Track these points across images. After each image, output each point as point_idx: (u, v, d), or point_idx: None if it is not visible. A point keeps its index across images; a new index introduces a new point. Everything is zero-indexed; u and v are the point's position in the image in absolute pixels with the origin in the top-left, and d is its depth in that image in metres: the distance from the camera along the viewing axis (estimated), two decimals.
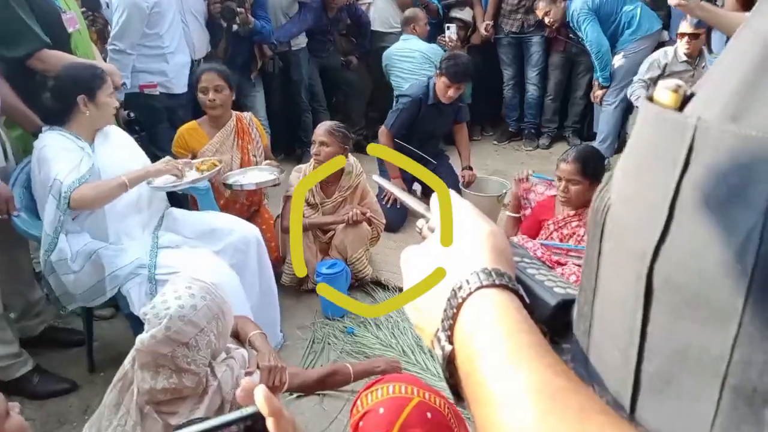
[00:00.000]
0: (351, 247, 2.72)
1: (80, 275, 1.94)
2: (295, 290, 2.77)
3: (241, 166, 2.68)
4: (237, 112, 2.75)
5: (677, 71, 3.49)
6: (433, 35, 4.35)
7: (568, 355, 0.43)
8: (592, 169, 2.18)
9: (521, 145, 4.72)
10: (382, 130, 3.49)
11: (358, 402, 1.03)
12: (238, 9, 3.25)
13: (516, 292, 0.39)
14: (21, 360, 2.11)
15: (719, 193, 0.28)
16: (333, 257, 2.73)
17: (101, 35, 2.85)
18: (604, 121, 4.08)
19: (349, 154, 2.81)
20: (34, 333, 2.32)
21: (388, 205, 3.24)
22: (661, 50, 3.64)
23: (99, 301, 2.02)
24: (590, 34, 3.84)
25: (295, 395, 2.03)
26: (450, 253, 0.42)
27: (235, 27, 3.38)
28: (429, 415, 0.93)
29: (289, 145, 4.41)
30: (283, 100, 4.20)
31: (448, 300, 0.39)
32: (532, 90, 4.55)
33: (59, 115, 2.01)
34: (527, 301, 0.40)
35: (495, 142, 4.83)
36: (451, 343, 0.38)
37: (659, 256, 0.31)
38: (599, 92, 4.05)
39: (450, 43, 4.36)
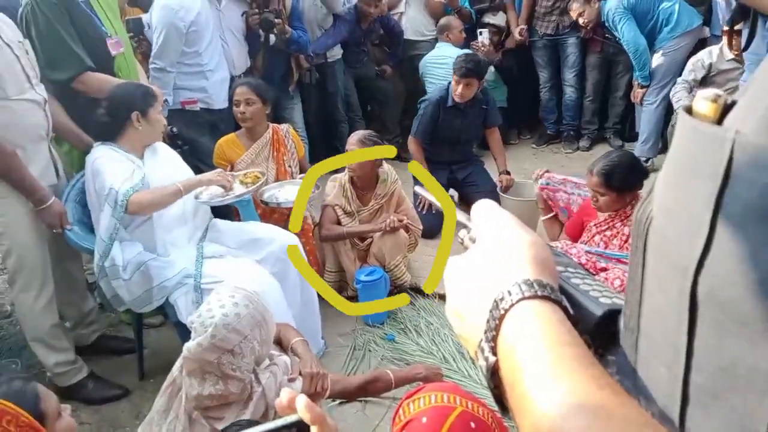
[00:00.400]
0: (389, 255, 2.74)
1: (130, 283, 2.02)
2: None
3: (277, 177, 2.73)
4: (274, 124, 2.82)
5: (725, 69, 3.35)
6: (467, 41, 4.35)
7: (613, 368, 0.42)
8: (618, 180, 2.13)
9: (560, 148, 4.64)
10: (410, 138, 3.51)
11: (400, 411, 1.03)
12: (276, 20, 3.33)
13: (559, 303, 0.39)
14: (76, 367, 2.20)
15: (762, 208, 0.28)
16: (371, 264, 2.75)
17: (146, 56, 2.97)
18: (645, 120, 3.97)
19: (384, 162, 2.84)
20: (88, 341, 2.43)
21: (424, 212, 3.25)
22: (706, 50, 3.50)
23: (147, 309, 2.11)
24: (627, 34, 3.75)
25: (337, 402, 2.05)
26: (492, 264, 0.43)
27: (272, 39, 3.46)
28: (473, 424, 0.93)
29: (326, 155, 4.46)
30: (320, 111, 4.26)
31: (491, 311, 0.39)
32: (569, 92, 4.48)
33: (111, 131, 2.11)
34: (571, 312, 0.40)
35: (533, 146, 4.76)
36: (494, 354, 0.38)
37: (702, 271, 0.30)
38: (639, 92, 3.95)
39: (483, 48, 4.35)
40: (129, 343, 2.45)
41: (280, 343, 1.72)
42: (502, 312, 0.39)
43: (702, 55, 3.48)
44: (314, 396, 1.56)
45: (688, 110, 0.34)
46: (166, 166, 2.20)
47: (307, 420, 0.51)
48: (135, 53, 2.86)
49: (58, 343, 2.15)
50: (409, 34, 4.51)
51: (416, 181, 3.55)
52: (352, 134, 2.81)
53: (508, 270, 0.41)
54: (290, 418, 0.51)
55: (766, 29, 2.58)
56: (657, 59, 3.84)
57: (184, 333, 1.94)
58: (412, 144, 3.49)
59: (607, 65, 4.32)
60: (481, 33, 4.41)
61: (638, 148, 3.90)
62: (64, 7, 2.23)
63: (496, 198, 3.41)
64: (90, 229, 2.15)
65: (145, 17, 3.14)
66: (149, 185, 2.06)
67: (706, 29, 3.89)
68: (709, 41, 3.84)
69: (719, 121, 0.32)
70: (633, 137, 4.25)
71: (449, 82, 3.39)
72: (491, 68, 4.45)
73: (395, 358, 2.35)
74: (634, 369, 0.39)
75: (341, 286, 2.83)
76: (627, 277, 0.40)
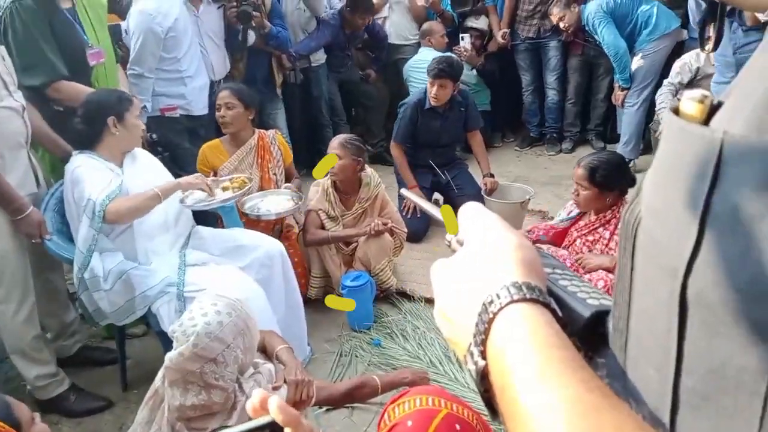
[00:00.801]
0: (374, 259, 2.73)
1: (111, 294, 1.98)
2: (321, 303, 2.78)
3: (261, 185, 2.71)
4: (260, 130, 2.79)
5: (711, 74, 3.40)
6: (449, 45, 4.38)
7: (603, 371, 0.42)
8: (600, 177, 2.18)
9: (543, 150, 4.68)
10: (392, 143, 3.52)
11: (386, 415, 1.03)
12: (254, 12, 3.31)
13: (548, 306, 0.39)
14: (58, 379, 2.16)
15: (751, 208, 0.27)
16: (357, 269, 2.74)
17: (124, 62, 2.94)
18: (626, 122, 4.02)
19: (366, 165, 2.83)
20: (70, 353, 2.38)
21: (409, 216, 3.24)
22: (692, 52, 3.52)
23: (130, 320, 2.07)
24: (607, 37, 3.81)
25: (324, 408, 2.03)
26: (480, 267, 0.42)
27: (251, 37, 3.44)
28: (458, 426, 0.92)
29: (310, 160, 4.46)
30: (304, 116, 4.26)
31: (479, 315, 0.39)
32: (551, 95, 4.53)
33: (88, 139, 2.07)
34: (560, 314, 0.40)
35: (517, 148, 4.80)
36: (484, 357, 0.38)
37: (692, 273, 0.30)
38: (620, 94, 4.00)
39: (465, 53, 4.37)
40: (111, 354, 2.41)
41: (265, 351, 1.70)
42: (491, 315, 0.38)
43: (688, 58, 3.52)
44: (299, 404, 1.54)
45: (675, 111, 0.34)
46: (145, 172, 2.16)
47: (279, 421, 0.49)
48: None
49: (39, 356, 2.10)
50: (393, 39, 4.53)
51: (400, 184, 3.56)
52: (333, 138, 2.81)
53: (495, 272, 0.41)
54: (263, 420, 0.50)
55: (732, 31, 2.62)
56: (637, 62, 3.89)
57: (167, 342, 1.90)
58: (394, 149, 3.50)
59: (588, 68, 4.38)
60: (462, 38, 4.45)
61: (620, 150, 3.95)
62: (45, 15, 2.21)
63: (481, 201, 3.43)
64: (70, 238, 2.10)
65: (123, 24, 3.11)
66: (128, 192, 2.03)
67: (684, 32, 3.96)
68: (686, 44, 3.90)
69: (706, 121, 0.32)
70: (615, 139, 4.30)
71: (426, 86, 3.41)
72: (474, 72, 4.48)
73: (382, 363, 2.34)
74: (624, 371, 0.39)
75: (327, 291, 2.81)
76: (615, 279, 0.40)
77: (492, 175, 3.52)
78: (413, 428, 0.94)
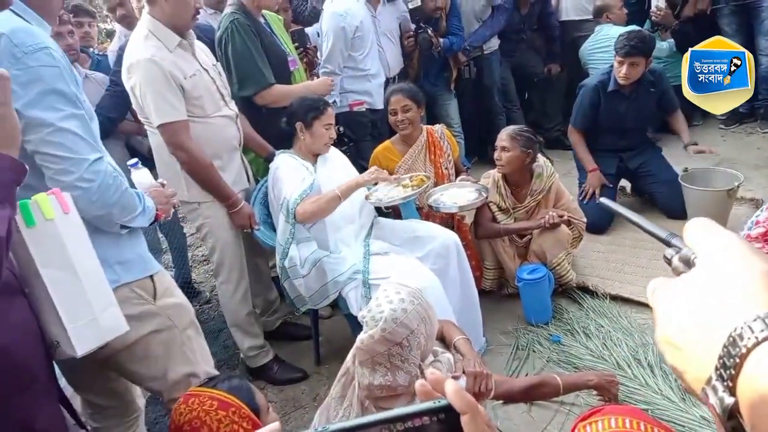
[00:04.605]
0: (550, 252, 2.62)
1: (308, 279, 2.22)
2: (496, 295, 2.76)
3: (435, 181, 2.74)
4: (428, 126, 2.82)
5: None
6: (631, 19, 3.95)
7: None
8: None
9: (755, 128, 4.01)
10: (569, 128, 3.30)
11: None
12: (433, 39, 3.39)
13: None
14: (265, 350, 2.48)
15: None
16: (532, 262, 2.66)
17: (311, 66, 3.22)
18: None
19: (540, 156, 2.70)
20: (272, 328, 2.72)
21: (586, 202, 3.03)
22: None
23: (324, 303, 2.29)
24: None
25: (501, 401, 2.02)
26: (719, 294, 0.39)
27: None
28: None
29: (483, 148, 4.42)
30: (476, 105, 4.22)
31: (725, 347, 0.36)
32: (765, 62, 3.84)
33: (287, 140, 2.34)
34: None
35: (722, 126, 4.19)
36: (732, 394, 0.35)
37: None
38: None
39: (658, 12, 3.91)
40: (306, 330, 2.69)
41: (443, 340, 1.74)
42: (744, 351, 0.35)
43: None
44: (477, 396, 1.55)
45: None
46: (336, 172, 2.37)
47: (457, 407, 0.46)
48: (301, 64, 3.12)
49: (252, 329, 2.44)
50: (570, 14, 4.26)
51: (580, 171, 3.33)
52: (502, 129, 2.70)
53: (739, 301, 0.37)
54: (438, 403, 0.46)
55: None
56: None
57: (355, 324, 2.07)
58: (572, 134, 3.30)
59: None
60: None
61: None
62: (256, 30, 2.51)
63: (678, 189, 3.06)
64: (273, 228, 2.40)
65: (308, 30, 3.41)
66: (319, 189, 2.23)
67: None
68: None
69: None
70: None
71: (611, 65, 3.12)
72: (665, 43, 4.00)
73: (562, 360, 2.24)
74: None
75: (501, 283, 2.78)
76: None
77: (695, 143, 3.09)
78: None
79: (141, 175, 1.59)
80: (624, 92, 3.09)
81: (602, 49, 3.75)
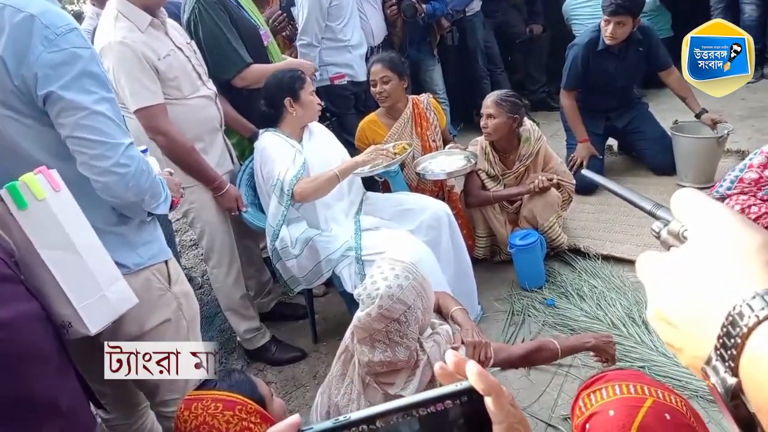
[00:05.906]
0: (540, 216, 2.62)
1: (300, 259, 2.19)
2: (488, 262, 2.77)
3: (423, 152, 2.71)
4: (414, 97, 2.76)
5: None
6: None
7: None
8: None
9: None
10: (561, 92, 3.25)
11: (580, 402, 0.96)
12: (416, 5, 3.30)
13: None
14: (261, 332, 2.47)
15: None
16: (523, 227, 2.66)
17: (290, 40, 3.10)
18: None
19: (526, 119, 2.67)
20: (267, 309, 2.71)
21: (574, 172, 3.01)
22: None
23: (318, 282, 2.28)
24: None
25: (499, 368, 2.04)
26: (712, 269, 0.37)
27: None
28: (667, 416, 0.84)
29: (468, 114, 4.38)
30: (460, 70, 4.16)
31: (724, 326, 0.34)
32: (748, 10, 3.83)
33: (272, 118, 2.28)
34: None
35: None
36: (734, 375, 0.34)
37: None
38: None
39: None
40: (301, 310, 2.68)
41: (440, 312, 1.74)
42: (745, 330, 0.33)
43: None
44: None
45: None
46: (322, 147, 2.32)
47: (480, 389, 0.45)
48: (277, 38, 3.01)
49: (247, 312, 2.43)
50: None
51: (568, 132, 3.31)
52: (487, 96, 2.66)
53: (736, 277, 0.35)
54: (460, 385, 0.45)
55: None
56: None
57: (350, 301, 2.07)
58: (564, 98, 3.24)
59: None
60: None
61: None
62: (224, 6, 2.39)
63: (667, 144, 3.05)
64: (261, 209, 2.36)
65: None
66: (308, 169, 2.19)
67: None
68: None
69: None
70: None
71: (599, 23, 3.06)
72: None
73: (558, 323, 2.27)
74: None
75: (494, 251, 2.78)
76: None
77: (706, 110, 2.98)
78: (616, 419, 0.86)
79: (149, 163, 1.56)
80: (613, 51, 3.04)
81: (585, 3, 3.68)
